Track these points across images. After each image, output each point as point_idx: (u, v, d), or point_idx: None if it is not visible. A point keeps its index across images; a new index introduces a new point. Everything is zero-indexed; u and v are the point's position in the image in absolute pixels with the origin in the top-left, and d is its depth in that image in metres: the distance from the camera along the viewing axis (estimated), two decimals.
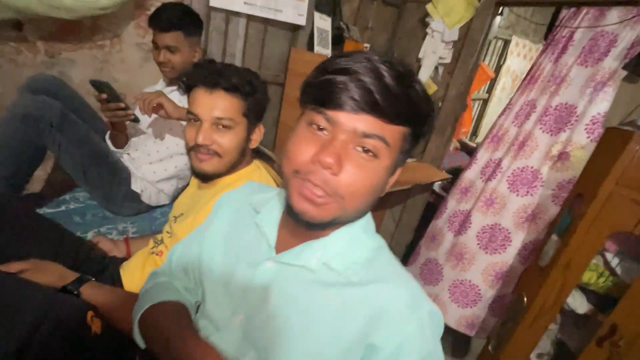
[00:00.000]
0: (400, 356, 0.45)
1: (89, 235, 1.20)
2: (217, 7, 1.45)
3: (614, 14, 1.34)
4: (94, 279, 0.78)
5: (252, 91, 0.85)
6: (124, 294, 0.80)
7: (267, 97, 0.92)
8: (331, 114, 0.43)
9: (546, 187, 1.46)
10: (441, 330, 0.50)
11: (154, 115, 1.14)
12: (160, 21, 1.21)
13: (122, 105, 1.12)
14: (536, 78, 1.53)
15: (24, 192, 1.25)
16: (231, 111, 0.82)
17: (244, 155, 0.91)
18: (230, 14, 1.55)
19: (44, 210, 1.26)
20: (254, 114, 0.87)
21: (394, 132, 0.44)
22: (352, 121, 0.43)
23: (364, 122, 0.43)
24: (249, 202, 0.63)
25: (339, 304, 0.48)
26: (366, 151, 0.44)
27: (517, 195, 1.51)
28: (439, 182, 2.32)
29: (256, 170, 0.94)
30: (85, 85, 1.41)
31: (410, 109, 0.44)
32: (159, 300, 0.59)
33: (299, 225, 0.50)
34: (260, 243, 0.57)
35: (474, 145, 2.94)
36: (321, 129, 0.45)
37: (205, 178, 0.88)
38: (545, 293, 1.17)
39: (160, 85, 1.41)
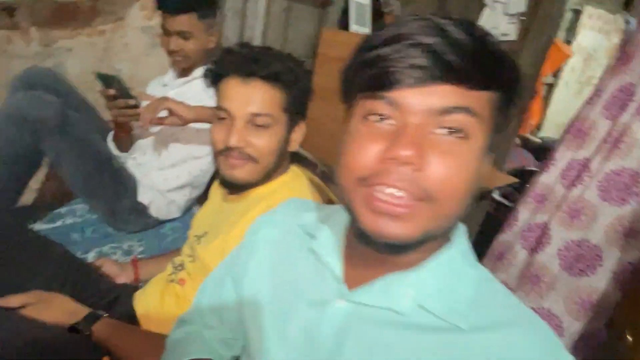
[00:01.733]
0: None
1: (90, 256, 1.19)
2: None
3: None
4: (107, 315, 0.75)
5: (295, 80, 0.80)
6: (142, 334, 0.77)
7: (311, 88, 0.87)
8: (394, 95, 0.38)
9: None
10: None
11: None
12: (170, 2, 1.19)
13: (133, 102, 1.10)
14: (631, 56, 1.43)
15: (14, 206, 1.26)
16: (270, 105, 0.78)
17: (282, 160, 0.87)
18: None
19: (37, 227, 1.25)
20: (295, 109, 0.83)
21: (481, 100, 0.39)
22: (424, 97, 0.38)
23: (439, 95, 0.37)
24: (297, 224, 0.58)
25: (447, 354, 0.42)
26: (452, 132, 0.39)
27: (611, 204, 1.41)
28: (499, 189, 2.23)
29: (296, 178, 0.90)
30: (84, 77, 1.41)
31: (493, 66, 0.39)
32: (188, 359, 0.56)
33: (378, 252, 0.44)
34: (324, 277, 0.51)
35: (539, 140, 2.83)
36: (384, 119, 0.40)
37: (237, 188, 0.84)
38: None
39: (169, 77, 1.40)
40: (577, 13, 3.05)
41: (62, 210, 1.35)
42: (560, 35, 3.10)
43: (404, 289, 0.45)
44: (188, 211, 1.48)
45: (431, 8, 2.10)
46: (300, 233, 0.57)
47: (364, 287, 0.47)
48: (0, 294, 0.71)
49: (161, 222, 1.40)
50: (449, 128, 0.39)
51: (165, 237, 1.40)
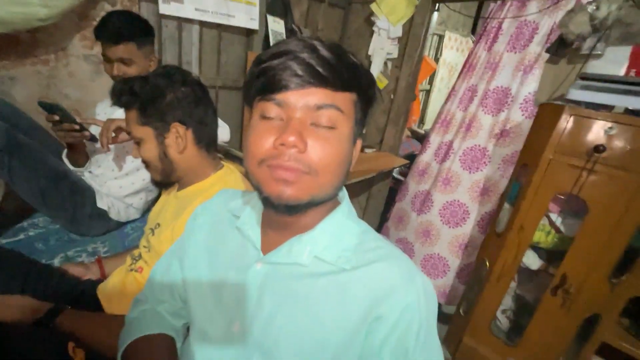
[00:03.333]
0: (403, 322, 0.44)
1: (56, 262, 1.06)
2: (167, 14, 1.34)
3: (533, 5, 1.43)
4: (70, 307, 0.68)
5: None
6: (105, 319, 0.70)
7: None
8: (280, 96, 0.42)
9: (493, 162, 1.53)
10: (434, 298, 0.49)
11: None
12: (108, 33, 1.07)
13: (77, 126, 0.99)
14: (474, 66, 1.60)
15: None
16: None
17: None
18: (182, 21, 1.44)
19: (0, 242, 1.09)
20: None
21: (345, 100, 0.44)
22: (302, 97, 0.42)
23: (313, 95, 0.42)
24: (227, 209, 0.58)
25: (337, 290, 0.46)
26: (324, 126, 0.43)
27: (470, 172, 1.57)
28: (397, 168, 2.38)
29: (229, 173, 0.87)
30: (31, 103, 1.24)
31: (352, 75, 0.43)
32: (143, 334, 0.54)
33: (280, 213, 0.47)
34: (246, 247, 0.52)
35: (423, 132, 3.05)
36: (274, 117, 0.43)
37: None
38: (504, 255, 1.23)
39: (108, 101, 1.28)
40: (440, 37, 3.30)
41: (24, 224, 1.19)
42: (431, 53, 3.35)
43: (302, 246, 0.48)
44: (147, 212, 1.38)
45: (335, 36, 2.16)
46: (229, 216, 0.57)
47: (275, 250, 0.49)
48: None
49: (123, 224, 1.29)
50: (322, 123, 0.42)
51: (127, 236, 1.29)
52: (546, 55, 1.41)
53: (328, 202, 0.49)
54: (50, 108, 0.96)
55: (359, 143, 0.50)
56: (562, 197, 1.19)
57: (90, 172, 1.21)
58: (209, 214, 0.61)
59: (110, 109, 1.24)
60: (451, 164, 1.61)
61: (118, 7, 1.32)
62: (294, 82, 0.41)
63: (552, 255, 1.24)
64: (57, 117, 0.97)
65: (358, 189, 2.13)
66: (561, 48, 1.36)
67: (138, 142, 0.78)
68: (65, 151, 1.17)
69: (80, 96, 1.37)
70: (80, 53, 1.31)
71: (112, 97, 0.74)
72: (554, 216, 1.20)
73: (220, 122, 1.04)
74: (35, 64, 1.22)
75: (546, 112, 1.17)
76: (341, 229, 0.50)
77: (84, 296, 0.79)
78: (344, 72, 0.42)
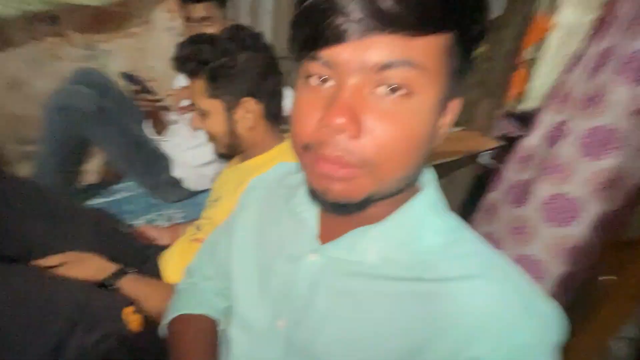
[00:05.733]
0: None
1: (139, 222, 1.17)
2: None
3: None
4: (135, 271, 0.70)
5: None
6: (163, 287, 0.72)
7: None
8: (328, 53, 0.28)
9: (628, 148, 1.18)
10: (558, 336, 0.34)
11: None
12: None
13: (152, 96, 1.05)
14: (610, 23, 1.23)
15: (79, 184, 1.24)
16: None
17: None
18: None
19: (99, 200, 1.24)
20: None
21: (428, 47, 0.28)
22: (359, 52, 0.27)
23: (375, 49, 0.27)
24: (283, 185, 0.50)
25: (414, 304, 0.34)
26: (393, 89, 0.28)
27: (591, 159, 1.25)
28: (488, 153, 2.07)
29: (290, 147, 0.81)
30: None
31: (440, 2, 0.26)
32: (187, 312, 0.52)
33: (329, 211, 0.37)
34: (301, 232, 0.43)
35: (529, 110, 2.60)
36: (325, 80, 0.30)
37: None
38: (635, 271, 0.95)
39: None
40: None
41: (118, 186, 1.34)
42: (542, 11, 2.79)
43: (369, 242, 0.37)
44: None
45: None
46: (286, 193, 0.49)
47: (334, 241, 0.39)
48: (43, 256, 0.67)
49: (197, 193, 1.36)
50: (390, 86, 0.28)
51: (202, 205, 1.34)
52: None
53: (405, 189, 0.36)
54: (131, 79, 1.02)
55: (457, 104, 0.35)
56: None
57: (167, 140, 1.28)
58: (263, 189, 0.53)
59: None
60: (565, 148, 1.30)
61: None
62: (346, 30, 0.26)
63: None
64: (137, 88, 1.03)
65: (437, 174, 1.91)
66: None
67: (203, 114, 0.74)
68: (146, 121, 1.25)
69: (165, 68, 1.44)
70: (163, 25, 1.37)
71: (175, 61, 0.70)
72: None
73: (288, 92, 1.00)
74: (124, 36, 1.32)
75: None
76: (422, 223, 0.37)
77: (150, 261, 0.82)
78: (428, 5, 0.26)
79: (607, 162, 1.23)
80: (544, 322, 0.32)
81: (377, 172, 0.30)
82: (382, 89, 0.28)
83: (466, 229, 0.39)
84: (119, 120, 1.09)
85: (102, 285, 0.66)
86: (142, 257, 0.83)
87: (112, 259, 0.72)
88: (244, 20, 1.44)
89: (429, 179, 0.40)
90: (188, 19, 1.16)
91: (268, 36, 1.52)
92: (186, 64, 0.69)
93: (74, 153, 1.08)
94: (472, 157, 1.82)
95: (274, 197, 0.51)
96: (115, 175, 1.42)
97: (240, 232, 0.51)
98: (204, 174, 1.32)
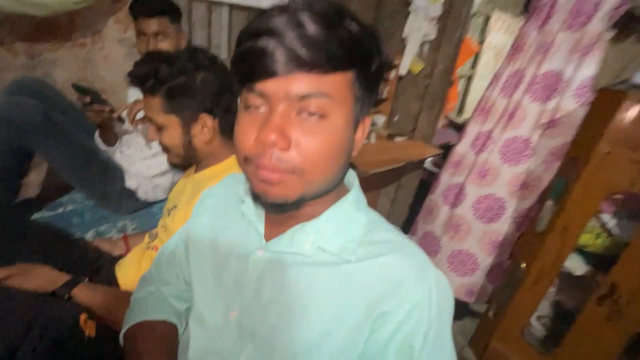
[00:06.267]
0: (411, 320, 0.40)
1: (89, 235, 1.14)
2: None
3: None
4: (87, 280, 0.71)
5: None
6: (118, 294, 0.73)
7: None
8: (260, 86, 0.37)
9: (538, 155, 1.40)
10: (449, 296, 0.44)
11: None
12: (144, 7, 1.15)
13: (107, 108, 1.05)
14: (521, 48, 1.45)
15: (19, 198, 1.18)
16: None
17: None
18: (212, 4, 1.44)
19: (42, 214, 1.18)
20: None
21: (336, 82, 0.37)
22: (284, 86, 0.36)
23: (296, 83, 0.36)
24: (234, 193, 0.56)
25: (340, 282, 0.43)
26: (311, 114, 0.37)
27: (510, 165, 1.44)
28: (430, 159, 2.26)
29: None
30: (69, 85, 1.32)
31: (343, 50, 0.36)
32: (146, 318, 0.55)
33: (270, 212, 0.46)
34: (249, 233, 0.50)
35: (462, 121, 2.87)
36: (258, 107, 0.38)
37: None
38: (543, 258, 1.13)
39: None
40: (487, 18, 3.06)
41: (64, 199, 1.28)
42: (475, 36, 3.12)
43: (305, 236, 0.45)
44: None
45: (369, 18, 2.06)
46: (236, 200, 0.55)
47: (277, 238, 0.47)
48: None
49: (151, 204, 1.35)
50: (309, 111, 0.37)
51: (154, 216, 1.34)
52: (609, 35, 1.23)
53: (332, 191, 0.45)
54: (82, 90, 1.01)
55: (367, 121, 0.45)
56: (619, 196, 1.05)
57: (120, 152, 1.27)
58: (216, 197, 0.60)
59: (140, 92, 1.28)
60: (489, 155, 1.49)
61: None
62: (273, 69, 0.35)
63: (601, 261, 1.11)
64: (88, 99, 1.02)
65: (386, 179, 2.05)
66: (628, 25, 1.18)
67: (159, 128, 0.76)
68: (97, 132, 1.22)
69: (114, 78, 1.42)
70: (114, 36, 1.36)
71: (133, 78, 0.72)
72: (606, 217, 1.06)
73: None
74: (73, 47, 1.29)
75: (605, 99, 1.03)
76: (348, 218, 0.46)
77: (104, 270, 0.82)
78: (336, 50, 0.35)
79: (523, 167, 1.43)
80: (434, 282, 0.42)
81: (305, 176, 0.39)
82: (303, 114, 0.37)
83: (382, 221, 0.49)
84: (66, 130, 1.07)
85: (54, 295, 0.66)
86: (95, 267, 0.83)
87: (65, 270, 0.72)
88: (199, 33, 1.47)
89: (352, 182, 0.50)
90: (141, 33, 1.17)
91: (223, 49, 1.57)
92: (144, 81, 0.71)
93: (16, 166, 1.03)
94: (418, 164, 1.99)
95: (226, 204, 0.57)
96: (56, 188, 1.36)
97: (196, 237, 0.56)
98: (158, 185, 1.32)
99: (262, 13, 0.37)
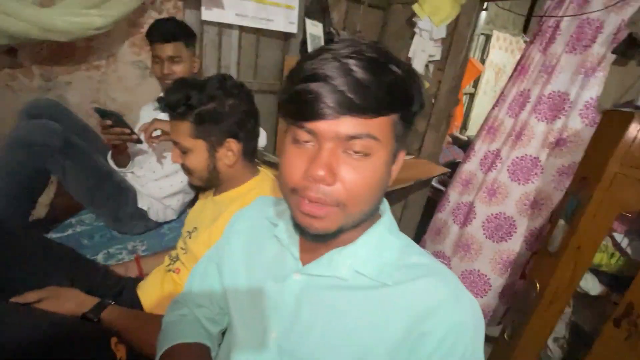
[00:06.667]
0: (449, 340, 0.42)
1: (100, 257, 1.14)
2: (209, 20, 1.40)
3: (598, 1, 1.32)
4: (113, 303, 0.72)
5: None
6: (144, 316, 0.74)
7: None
8: (311, 126, 0.40)
9: (546, 174, 1.43)
10: (482, 319, 0.47)
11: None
12: (160, 33, 1.19)
13: (128, 130, 1.08)
14: (526, 69, 1.51)
15: (30, 219, 1.19)
16: None
17: None
18: (222, 27, 1.50)
19: (50, 236, 1.19)
20: None
21: (381, 125, 0.41)
22: (334, 127, 0.39)
23: (345, 125, 0.39)
24: (265, 217, 0.59)
25: (378, 305, 0.45)
26: (357, 152, 0.41)
27: (519, 183, 1.48)
28: (437, 177, 2.29)
29: (265, 179, 0.89)
30: (82, 106, 1.35)
31: (389, 96, 0.40)
32: (180, 341, 0.56)
33: (310, 241, 0.49)
34: (284, 257, 0.53)
35: (465, 138, 2.93)
36: (307, 142, 0.42)
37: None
38: (558, 278, 1.14)
39: (152, 105, 1.36)
40: (487, 37, 3.17)
41: (72, 220, 1.29)
42: (477, 55, 3.22)
43: (342, 260, 0.48)
44: (183, 213, 1.44)
45: (374, 38, 2.14)
46: (267, 224, 0.58)
47: (314, 262, 0.49)
48: (20, 293, 0.67)
49: (161, 224, 1.36)
50: (355, 150, 0.41)
51: (164, 236, 1.36)
52: (612, 57, 1.29)
53: (367, 219, 0.48)
54: (104, 114, 1.05)
55: (402, 155, 0.48)
56: (630, 215, 1.08)
57: (132, 172, 1.29)
58: (247, 220, 0.62)
59: (154, 112, 1.31)
60: (498, 174, 1.52)
61: (164, 15, 1.40)
62: (324, 112, 0.38)
63: (617, 281, 1.13)
64: (109, 122, 1.05)
65: (393, 198, 2.08)
66: (630, 49, 1.24)
67: (184, 151, 0.79)
68: (110, 153, 1.25)
69: (126, 99, 1.46)
70: (128, 59, 1.40)
71: (164, 104, 0.75)
72: (619, 237, 1.09)
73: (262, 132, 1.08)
74: (88, 69, 1.33)
75: (612, 120, 1.07)
76: (382, 242, 0.49)
77: (125, 292, 0.83)
78: (381, 96, 0.39)
79: (533, 186, 1.47)
80: (469, 306, 0.44)
81: (347, 209, 0.42)
82: (350, 152, 0.41)
83: (413, 245, 0.52)
84: (84, 152, 1.09)
85: (85, 317, 0.67)
86: (118, 290, 0.84)
87: (88, 292, 0.73)
88: (209, 54, 1.52)
89: (385, 208, 0.53)
90: (156, 57, 1.21)
91: (233, 70, 1.62)
92: (175, 107, 0.75)
93: (33, 187, 1.05)
94: (425, 183, 2.03)
95: (257, 227, 0.59)
96: (64, 209, 1.38)
97: (229, 259, 0.58)
98: (169, 206, 1.34)
99: (311, 56, 0.40)
